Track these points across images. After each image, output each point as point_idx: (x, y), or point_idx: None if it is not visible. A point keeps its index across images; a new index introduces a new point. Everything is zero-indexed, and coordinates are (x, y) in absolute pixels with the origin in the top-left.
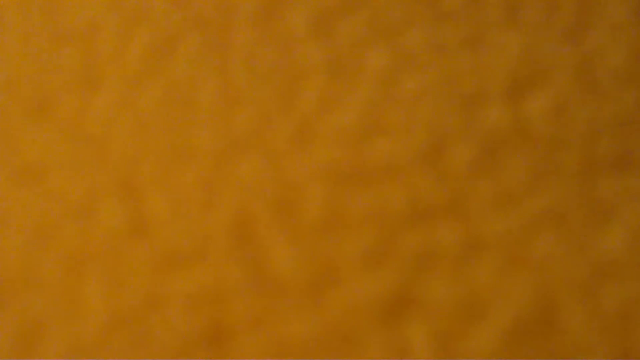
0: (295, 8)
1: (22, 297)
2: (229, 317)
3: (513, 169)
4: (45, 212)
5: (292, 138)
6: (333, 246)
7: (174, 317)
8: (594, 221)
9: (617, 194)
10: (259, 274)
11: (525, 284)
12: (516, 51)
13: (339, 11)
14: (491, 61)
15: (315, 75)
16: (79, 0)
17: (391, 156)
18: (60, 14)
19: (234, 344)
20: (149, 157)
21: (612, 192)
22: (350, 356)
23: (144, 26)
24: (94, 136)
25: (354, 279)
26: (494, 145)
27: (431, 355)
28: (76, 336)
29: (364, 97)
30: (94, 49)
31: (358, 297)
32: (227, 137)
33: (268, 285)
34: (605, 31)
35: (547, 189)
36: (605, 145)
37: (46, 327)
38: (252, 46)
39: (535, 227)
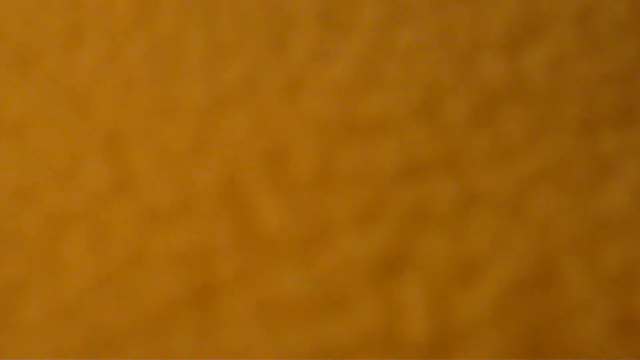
0: None
1: (3, 255)
2: (216, 275)
3: (511, 123)
4: (27, 169)
5: (283, 91)
6: (324, 202)
7: (159, 275)
8: (594, 177)
9: (619, 149)
10: (248, 231)
11: (524, 241)
12: (514, 2)
13: None
14: (489, 12)
15: (306, 26)
16: None
17: (385, 110)
18: None
19: (221, 302)
20: (135, 112)
21: (613, 147)
22: (342, 315)
23: None
24: (78, 91)
25: (346, 236)
26: (491, 99)
27: (426, 315)
28: (58, 295)
29: (358, 49)
30: (78, 2)
31: (350, 254)
32: (215, 91)
33: (257, 243)
34: None
35: (546, 144)
36: (606, 99)
37: (27, 285)
38: None
39: (534, 183)
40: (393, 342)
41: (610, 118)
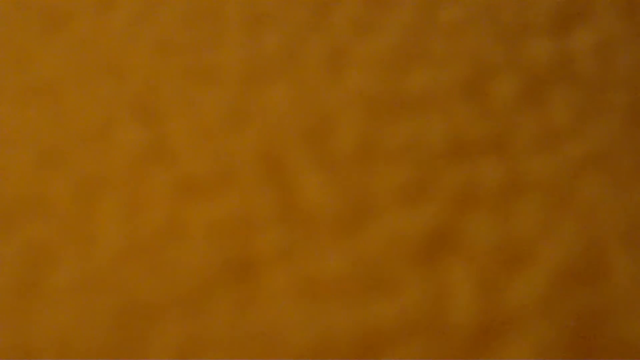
0: None
1: (32, 221)
2: (256, 249)
3: (558, 107)
4: (59, 133)
5: (325, 63)
6: (368, 179)
7: (195, 246)
8: None
9: None
10: (288, 205)
11: (571, 229)
12: None
13: None
14: None
15: None
16: None
17: (430, 86)
18: None
19: (260, 277)
20: (170, 78)
21: None
22: (385, 296)
23: None
24: (112, 54)
25: (389, 214)
26: (538, 81)
27: (472, 299)
28: (89, 263)
29: (403, 23)
30: None
31: (394, 233)
32: (255, 59)
33: (298, 217)
34: None
35: (594, 129)
36: None
37: (57, 253)
38: None
39: (582, 169)
40: (437, 326)
41: None
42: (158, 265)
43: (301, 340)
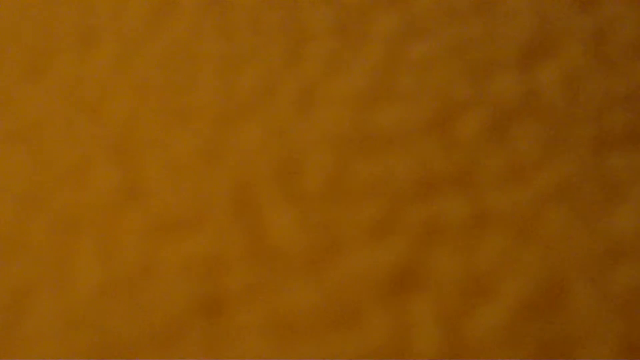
0: None
1: (11, 261)
2: (227, 286)
3: (524, 141)
4: (38, 175)
5: (297, 102)
6: (337, 215)
7: (169, 285)
8: (605, 197)
9: (630, 170)
10: (260, 243)
11: (535, 261)
12: (529, 18)
13: None
14: (503, 28)
15: (322, 37)
16: None
17: (399, 123)
18: None
19: (232, 313)
20: (147, 119)
21: (625, 167)
22: (352, 330)
23: None
24: (90, 97)
25: (358, 249)
26: (505, 116)
27: (436, 331)
28: (66, 302)
29: (372, 62)
30: (92, 7)
31: (362, 268)
32: (229, 99)
33: (269, 254)
34: (620, 2)
35: (558, 163)
36: (618, 119)
37: (37, 292)
38: (256, 5)
39: (546, 202)
40: (402, 357)
41: (622, 138)
42: (133, 302)
43: None
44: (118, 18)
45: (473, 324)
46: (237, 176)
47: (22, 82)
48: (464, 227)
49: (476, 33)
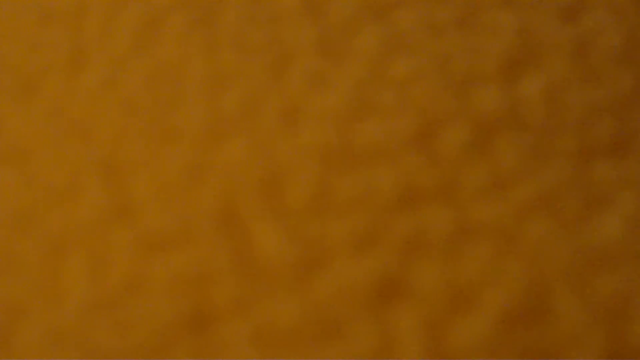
0: None
1: (1, 280)
2: (213, 301)
3: (506, 153)
4: (26, 194)
5: (280, 119)
6: (320, 229)
7: (156, 301)
8: (589, 208)
9: (613, 180)
10: (244, 258)
11: (518, 271)
12: (510, 32)
13: None
14: (484, 42)
15: (304, 54)
16: None
17: (381, 138)
18: None
19: (217, 328)
20: (134, 138)
21: (608, 177)
22: (337, 342)
23: (130, 5)
24: (79, 117)
25: (341, 263)
26: (487, 128)
27: (420, 343)
28: (56, 319)
29: (354, 78)
30: (80, 29)
31: (345, 281)
32: (214, 117)
33: (253, 269)
34: (603, 12)
35: (541, 174)
36: (601, 130)
37: (25, 311)
38: (241, 24)
39: (529, 213)
40: None
41: (604, 149)
42: (120, 318)
43: None
44: (106, 39)
45: (457, 334)
46: (223, 193)
47: (10, 103)
48: (447, 239)
49: (458, 47)
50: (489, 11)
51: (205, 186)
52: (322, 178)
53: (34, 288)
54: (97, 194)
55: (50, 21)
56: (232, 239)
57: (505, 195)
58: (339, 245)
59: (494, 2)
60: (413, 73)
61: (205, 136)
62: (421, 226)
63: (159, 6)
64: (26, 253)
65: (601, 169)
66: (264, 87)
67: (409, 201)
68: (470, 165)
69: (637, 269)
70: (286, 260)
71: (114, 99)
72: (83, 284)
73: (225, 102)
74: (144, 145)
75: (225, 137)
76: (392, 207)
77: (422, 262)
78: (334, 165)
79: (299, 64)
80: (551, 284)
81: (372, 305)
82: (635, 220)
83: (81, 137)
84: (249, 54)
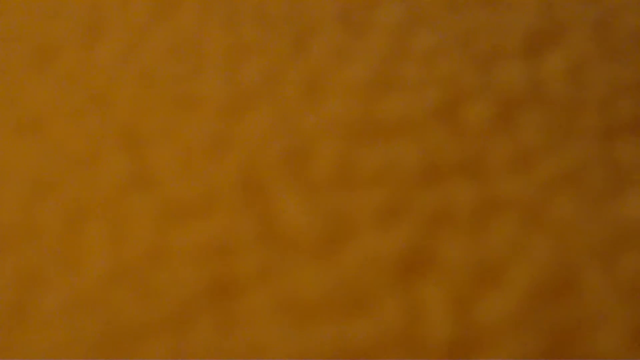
0: None
1: (20, 248)
2: (237, 271)
3: (530, 129)
4: (46, 163)
5: (303, 91)
6: (345, 201)
7: (178, 270)
8: (613, 185)
9: (637, 157)
10: (268, 228)
11: (544, 248)
12: (533, 8)
13: None
14: (507, 18)
15: (327, 27)
16: None
17: (405, 112)
18: None
19: (241, 298)
20: (154, 108)
21: (632, 155)
22: (362, 315)
23: None
24: (98, 87)
25: (366, 235)
26: (511, 104)
27: (446, 317)
28: (76, 288)
29: (378, 51)
30: None
31: (371, 254)
32: (235, 88)
33: (277, 240)
34: None
35: (565, 151)
36: (624, 108)
37: (45, 278)
38: None
39: (553, 189)
40: (412, 343)
41: (628, 126)
42: (143, 287)
43: (280, 358)
44: (123, 8)
45: (483, 309)
46: (246, 163)
47: (30, 73)
48: (472, 213)
49: (481, 22)
50: None
51: (227, 156)
52: (345, 150)
53: (53, 257)
54: (118, 162)
55: None
56: (255, 210)
57: (530, 171)
58: (363, 218)
59: None
60: (436, 47)
61: (227, 107)
62: (446, 200)
63: None
64: (46, 221)
65: (625, 147)
66: (285, 59)
67: (434, 175)
68: (495, 141)
69: None
70: (310, 232)
71: (133, 69)
72: (104, 253)
73: (246, 74)
74: (164, 115)
75: (247, 108)
76: (416, 180)
77: (448, 236)
78: (358, 138)
79: (321, 37)
80: (577, 261)
81: (398, 279)
82: None
83: (100, 106)
84: (271, 26)
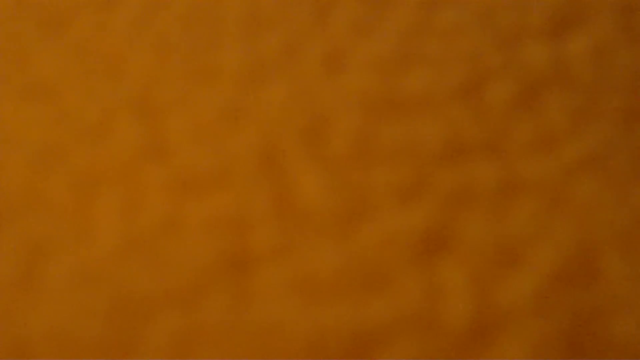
0: None
1: (29, 217)
2: (251, 246)
3: (554, 110)
4: (57, 131)
5: (323, 64)
6: (364, 178)
7: (191, 242)
8: (635, 168)
9: None
10: (284, 203)
11: (565, 230)
12: None
13: None
14: None
15: (348, 1)
16: None
17: (427, 88)
18: None
19: (255, 274)
20: (169, 77)
21: None
22: (380, 293)
23: None
24: (111, 54)
25: (385, 213)
26: (534, 85)
27: (465, 298)
28: (86, 257)
29: (400, 25)
30: None
31: (390, 231)
32: (254, 60)
33: (294, 215)
34: None
35: (588, 133)
36: None
37: (55, 247)
38: None
39: (576, 172)
40: (431, 324)
41: None
42: (154, 260)
43: (295, 336)
44: None
45: (503, 290)
46: (263, 135)
47: (42, 39)
48: (493, 193)
49: (503, 1)
50: None
51: (244, 128)
52: (365, 126)
53: (63, 226)
54: (130, 131)
55: None
56: (272, 183)
57: (552, 152)
58: (382, 194)
59: None
60: (460, 24)
61: (244, 78)
62: (467, 179)
63: None
64: (56, 190)
65: None
66: (305, 31)
67: (454, 153)
68: (517, 121)
69: None
70: (328, 208)
71: (147, 37)
72: (115, 224)
73: (265, 45)
74: (179, 85)
75: (265, 80)
76: (436, 158)
77: (468, 216)
78: (378, 113)
79: (342, 10)
80: (599, 243)
81: (417, 257)
82: None
83: (113, 74)
84: None
